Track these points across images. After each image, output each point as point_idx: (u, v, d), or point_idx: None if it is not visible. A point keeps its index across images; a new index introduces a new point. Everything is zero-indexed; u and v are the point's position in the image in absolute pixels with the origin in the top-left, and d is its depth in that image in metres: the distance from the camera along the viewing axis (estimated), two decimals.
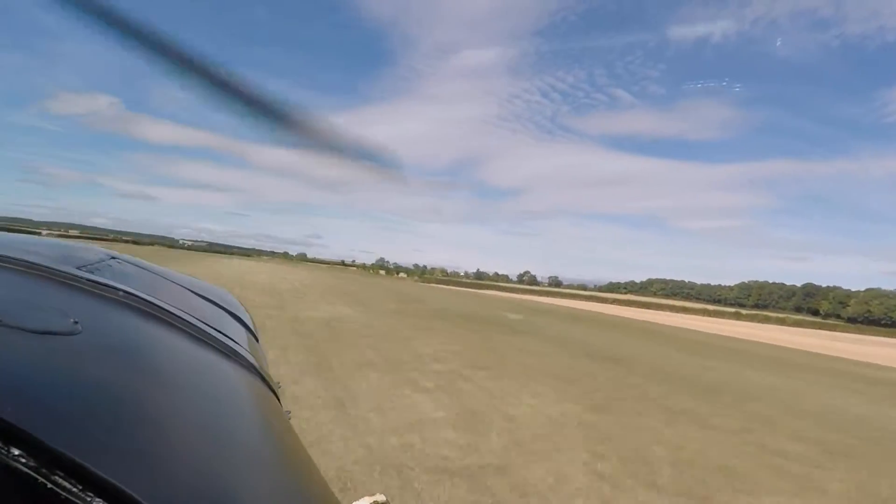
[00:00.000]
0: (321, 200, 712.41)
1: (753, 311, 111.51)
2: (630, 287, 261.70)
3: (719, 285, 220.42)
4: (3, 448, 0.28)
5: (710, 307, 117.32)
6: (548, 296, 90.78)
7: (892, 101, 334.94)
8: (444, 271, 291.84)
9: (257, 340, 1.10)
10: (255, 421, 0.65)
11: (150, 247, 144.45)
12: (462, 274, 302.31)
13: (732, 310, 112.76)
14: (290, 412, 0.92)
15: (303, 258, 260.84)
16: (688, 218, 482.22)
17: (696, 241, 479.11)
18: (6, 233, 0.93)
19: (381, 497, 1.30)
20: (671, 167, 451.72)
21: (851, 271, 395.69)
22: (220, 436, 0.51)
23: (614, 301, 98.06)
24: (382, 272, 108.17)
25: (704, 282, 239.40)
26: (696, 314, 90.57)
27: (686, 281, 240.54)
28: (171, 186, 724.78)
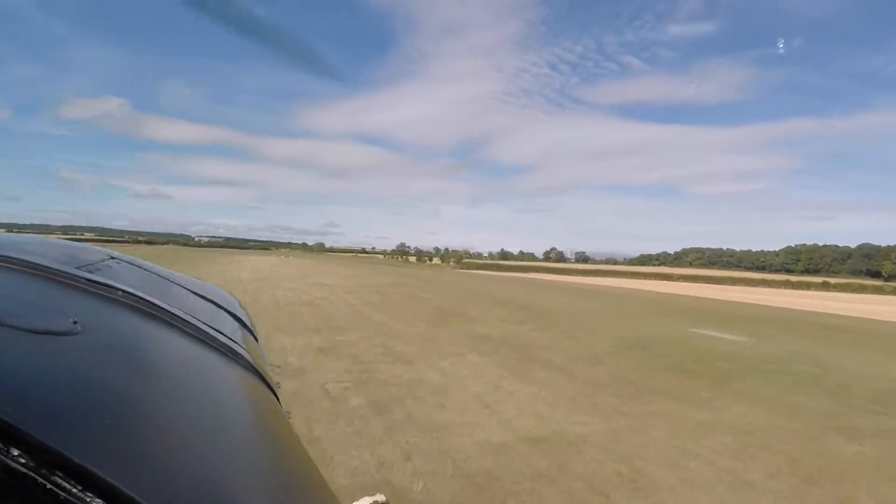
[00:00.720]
0: (334, 189, 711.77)
1: (843, 280, 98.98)
2: (663, 258, 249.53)
3: (762, 251, 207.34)
4: (3, 448, 0.28)
5: (793, 278, 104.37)
6: (600, 276, 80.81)
7: None
8: (466, 252, 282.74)
9: (256, 340, 1.08)
10: (255, 421, 0.65)
11: (164, 246, 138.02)
12: (486, 255, 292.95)
13: (819, 279, 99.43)
14: (289, 412, 0.92)
15: (321, 248, 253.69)
16: (706, 184, 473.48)
17: (717, 207, 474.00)
18: (6, 233, 0.83)
19: (381, 497, 1.37)
20: (685, 133, 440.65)
21: (877, 227, 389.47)
22: (219, 436, 0.51)
23: (680, 278, 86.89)
24: (412, 258, 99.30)
25: (728, 247, 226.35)
26: (776, 287, 79.53)
27: (724, 248, 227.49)
28: (185, 185, 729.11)
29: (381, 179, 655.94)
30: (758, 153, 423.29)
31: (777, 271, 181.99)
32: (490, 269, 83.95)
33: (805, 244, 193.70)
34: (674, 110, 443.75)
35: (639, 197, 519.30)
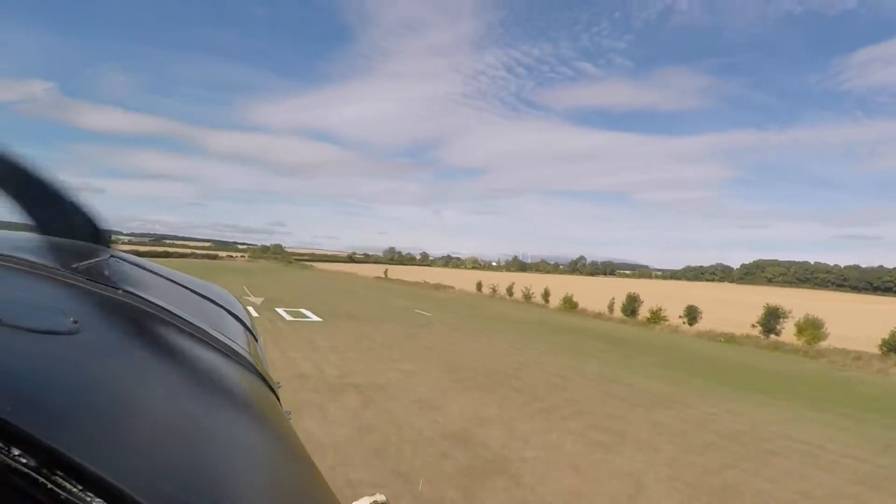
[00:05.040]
0: (282, 187, 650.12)
1: None
2: (721, 272, 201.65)
3: (881, 267, 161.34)
4: (3, 448, 0.28)
5: None
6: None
7: (849, 68, 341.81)
8: (475, 260, 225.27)
9: (256, 340, 1.09)
10: (255, 420, 0.65)
11: None
12: (494, 263, 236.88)
13: None
14: (289, 412, 0.92)
15: (281, 252, 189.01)
16: (652, 191, 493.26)
17: (661, 213, 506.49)
18: (5, 231, 0.90)
19: (380, 497, 1.27)
20: (634, 141, 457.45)
21: (804, 237, 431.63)
22: (220, 435, 0.50)
23: None
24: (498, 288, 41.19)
25: (817, 261, 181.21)
26: None
27: (812, 262, 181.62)
28: (121, 178, 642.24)
29: (331, 178, 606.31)
30: (700, 163, 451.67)
31: None
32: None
33: None
34: (624, 118, 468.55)
35: (588, 202, 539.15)
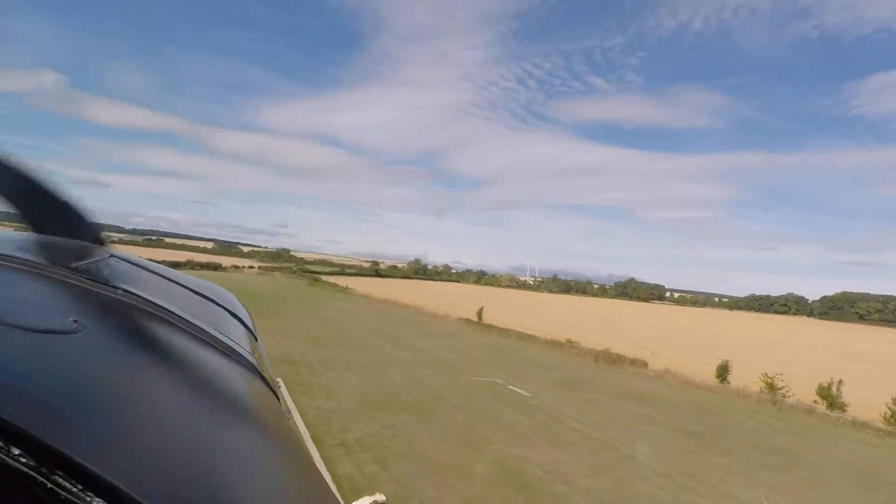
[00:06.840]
0: (288, 189, 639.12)
1: None
2: (794, 305, 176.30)
3: None
4: (3, 448, 0.28)
5: None
6: None
7: (862, 94, 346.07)
8: (511, 278, 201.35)
9: (257, 340, 1.10)
10: (255, 421, 0.65)
11: None
12: (531, 281, 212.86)
13: None
14: (289, 412, 0.88)
15: (289, 258, 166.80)
16: (656, 209, 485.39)
17: (664, 232, 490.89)
18: (5, 231, 0.91)
19: (380, 497, 1.25)
20: (641, 158, 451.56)
21: (808, 260, 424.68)
22: (219, 435, 0.50)
23: None
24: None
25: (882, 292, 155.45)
26: None
27: None
28: (127, 173, 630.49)
29: (338, 182, 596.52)
30: (708, 182, 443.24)
31: None
32: None
33: None
34: (633, 134, 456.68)
35: (592, 217, 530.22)
